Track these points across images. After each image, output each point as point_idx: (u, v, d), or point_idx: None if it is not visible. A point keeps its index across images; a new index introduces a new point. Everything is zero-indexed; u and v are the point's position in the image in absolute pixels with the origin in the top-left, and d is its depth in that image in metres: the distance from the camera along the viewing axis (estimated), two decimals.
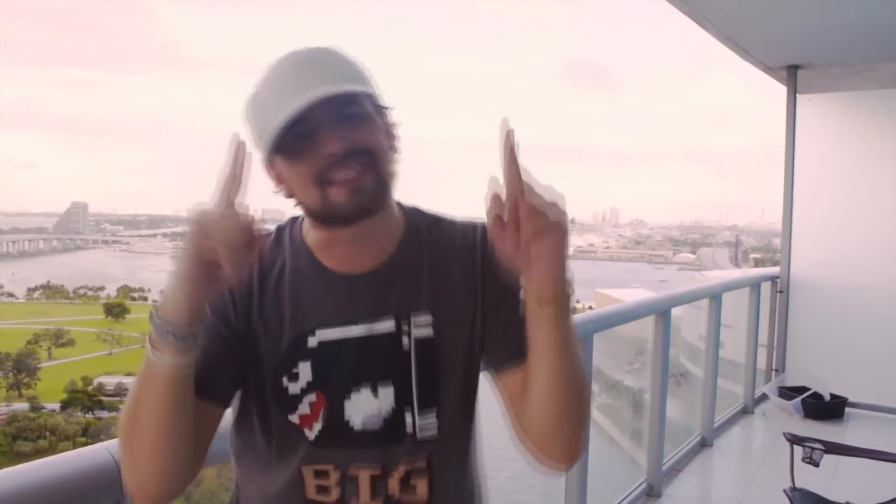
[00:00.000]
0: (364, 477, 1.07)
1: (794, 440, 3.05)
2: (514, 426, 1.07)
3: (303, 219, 1.12)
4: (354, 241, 1.07)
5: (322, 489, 1.07)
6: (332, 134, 0.98)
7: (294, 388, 1.06)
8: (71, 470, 1.28)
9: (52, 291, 60.57)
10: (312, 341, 1.06)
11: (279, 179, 1.04)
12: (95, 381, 39.29)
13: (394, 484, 1.07)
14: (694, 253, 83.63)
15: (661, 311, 3.88)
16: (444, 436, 1.10)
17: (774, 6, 4.20)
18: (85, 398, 36.03)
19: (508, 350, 1.07)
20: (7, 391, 39.13)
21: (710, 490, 4.36)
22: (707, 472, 4.43)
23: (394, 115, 1.08)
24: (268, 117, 0.97)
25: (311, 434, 1.07)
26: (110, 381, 39.27)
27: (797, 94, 5.48)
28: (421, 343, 1.08)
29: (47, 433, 30.88)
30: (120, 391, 37.98)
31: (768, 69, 5.46)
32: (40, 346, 44.68)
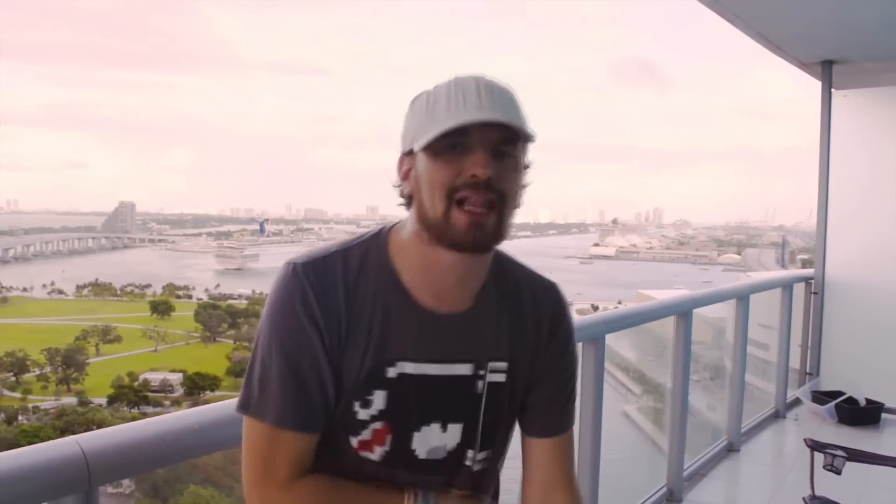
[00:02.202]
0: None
1: (815, 446, 2.94)
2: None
3: (389, 235, 1.14)
4: (451, 270, 1.09)
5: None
6: (485, 159, 1.02)
7: (364, 413, 1.11)
8: (40, 461, 1.29)
9: (100, 289, 61.97)
10: (392, 372, 1.10)
11: (406, 176, 1.09)
12: (141, 377, 40.05)
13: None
14: (739, 254, 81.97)
15: (681, 313, 3.79)
16: (491, 469, 1.23)
17: (804, 1, 4.08)
18: (131, 393, 36.78)
19: (545, 421, 1.23)
20: (56, 385, 40.17)
21: (733, 496, 4.25)
22: (732, 479, 4.32)
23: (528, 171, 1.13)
24: (436, 116, 1.03)
25: (375, 455, 1.14)
26: (155, 377, 39.97)
27: (832, 90, 5.31)
28: (493, 388, 1.17)
29: (95, 427, 31.61)
30: (164, 387, 38.68)
31: (802, 65, 5.30)
32: (89, 342, 45.73)
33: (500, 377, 1.16)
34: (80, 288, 62.17)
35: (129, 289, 62.10)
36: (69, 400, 37.53)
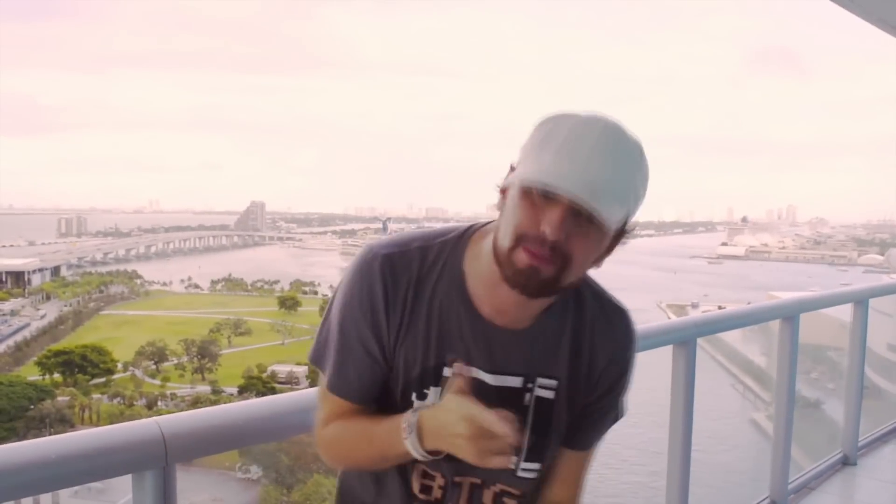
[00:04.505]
0: (466, 485, 1.23)
1: None
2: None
3: (470, 239, 1.19)
4: (512, 293, 1.11)
5: (426, 489, 1.24)
6: (561, 223, 1.02)
7: (419, 405, 1.18)
8: (124, 438, 1.42)
9: (232, 284, 65.60)
10: (448, 372, 1.17)
11: (504, 192, 1.10)
12: (269, 369, 42.06)
13: (488, 497, 1.24)
14: (882, 254, 76.37)
15: (787, 316, 3.60)
16: (538, 479, 1.27)
17: None
18: (259, 384, 38.63)
19: (583, 436, 1.29)
20: (192, 374, 42.87)
21: None
22: (846, 493, 4.07)
23: (625, 235, 1.11)
24: (541, 160, 1.03)
25: None
26: (282, 369, 41.80)
27: None
28: (541, 402, 1.22)
29: None
30: (291, 379, 40.39)
31: None
32: (221, 335, 48.57)
33: (549, 393, 1.21)
34: (214, 283, 66.02)
35: (259, 284, 65.28)
36: (203, 388, 39.96)
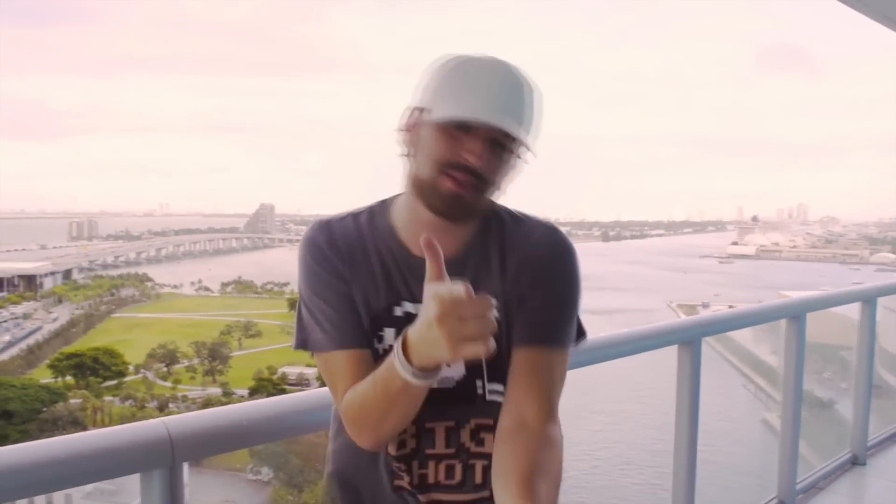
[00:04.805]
0: (440, 429, 1.27)
1: None
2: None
3: (393, 200, 1.31)
4: (432, 226, 1.20)
5: (400, 442, 1.27)
6: (482, 151, 1.16)
7: (380, 349, 1.26)
8: (132, 438, 1.46)
9: (242, 286, 65.70)
10: (398, 311, 1.26)
11: (412, 129, 1.22)
12: (279, 371, 42.08)
13: (465, 435, 1.28)
14: (894, 252, 75.88)
15: (793, 316, 3.60)
16: (504, 400, 1.25)
17: None
18: (270, 386, 38.64)
19: (522, 331, 1.25)
20: (203, 376, 43.01)
21: None
22: (854, 494, 4.05)
23: (528, 154, 1.21)
24: (457, 97, 1.16)
25: None
26: (292, 371, 41.80)
27: None
28: None
29: None
30: (301, 381, 40.48)
31: None
32: (232, 337, 48.67)
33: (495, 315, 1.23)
34: (224, 285, 66.18)
35: (268, 287, 65.36)
36: (214, 390, 40.05)
